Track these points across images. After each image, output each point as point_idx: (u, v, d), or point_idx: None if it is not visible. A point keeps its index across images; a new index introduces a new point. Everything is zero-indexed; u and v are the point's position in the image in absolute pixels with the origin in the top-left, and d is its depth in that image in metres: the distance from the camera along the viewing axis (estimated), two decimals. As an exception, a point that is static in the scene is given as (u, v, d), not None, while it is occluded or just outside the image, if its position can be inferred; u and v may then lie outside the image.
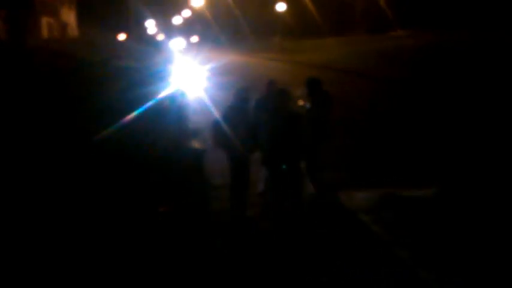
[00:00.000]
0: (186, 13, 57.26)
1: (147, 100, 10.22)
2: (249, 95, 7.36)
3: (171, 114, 10.39)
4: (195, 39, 57.21)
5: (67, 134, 9.48)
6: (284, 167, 6.63)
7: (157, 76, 11.79)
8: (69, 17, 44.12)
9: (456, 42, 24.00)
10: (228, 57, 32.22)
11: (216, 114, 7.41)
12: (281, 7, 40.36)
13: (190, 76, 14.41)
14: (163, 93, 10.63)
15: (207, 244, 6.29)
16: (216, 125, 7.24)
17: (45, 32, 37.30)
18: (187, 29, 58.89)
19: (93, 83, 13.35)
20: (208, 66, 19.54)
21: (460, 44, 23.29)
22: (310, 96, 7.73)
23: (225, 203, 7.24)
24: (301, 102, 8.11)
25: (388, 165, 9.17)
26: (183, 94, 11.02)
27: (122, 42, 50.19)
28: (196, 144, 9.85)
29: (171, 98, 10.38)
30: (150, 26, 62.22)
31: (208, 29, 52.39)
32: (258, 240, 6.43)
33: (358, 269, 5.58)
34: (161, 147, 8.90)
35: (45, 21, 37.61)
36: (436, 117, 12.52)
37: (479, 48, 20.93)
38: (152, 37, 59.63)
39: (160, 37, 59.79)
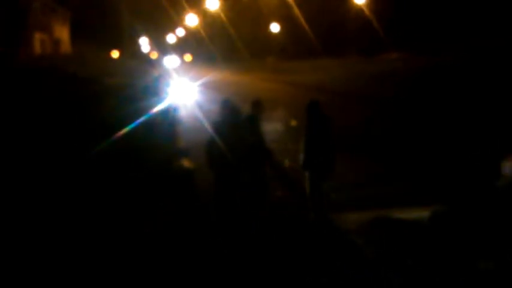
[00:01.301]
0: (180, 32, 57.54)
1: (139, 116, 10.15)
2: (234, 106, 7.48)
3: (162, 131, 10.31)
4: (188, 57, 57.44)
5: (58, 149, 9.39)
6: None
7: (150, 93, 11.73)
8: (62, 33, 44.08)
9: (450, 64, 24.12)
10: (221, 76, 32.28)
11: (209, 130, 7.43)
12: (275, 28, 40.59)
13: (182, 93, 14.36)
14: (155, 110, 10.56)
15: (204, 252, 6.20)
16: (209, 142, 7.27)
17: (37, 48, 37.21)
18: (181, 47, 59.15)
19: (86, 100, 13.30)
20: (201, 83, 19.57)
21: (453, 66, 23.40)
22: (308, 118, 7.57)
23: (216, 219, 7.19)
24: (293, 123, 8.10)
25: (383, 185, 9.10)
26: (175, 110, 10.96)
27: (115, 59, 50.28)
28: (186, 162, 9.75)
29: (163, 115, 10.31)
30: (144, 43, 62.46)
31: (202, 48, 52.59)
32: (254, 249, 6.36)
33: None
34: (152, 163, 8.83)
35: (37, 37, 37.54)
36: (427, 138, 12.49)
37: (474, 70, 21.04)
38: (146, 55, 59.84)
39: (154, 55, 59.99)
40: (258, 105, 7.85)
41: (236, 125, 7.28)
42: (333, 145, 7.43)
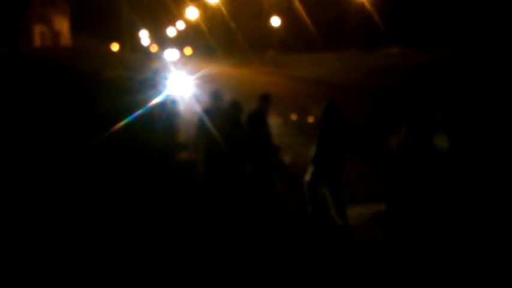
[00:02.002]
0: (180, 25, 57.41)
1: (138, 109, 10.11)
2: (222, 96, 8.00)
3: (161, 124, 10.27)
4: (188, 50, 57.31)
5: (58, 141, 9.36)
6: None
7: (149, 85, 11.69)
8: (62, 25, 44.01)
9: (450, 61, 24.06)
10: (221, 69, 32.23)
11: (204, 120, 7.63)
12: (276, 21, 40.45)
13: (181, 85, 14.32)
14: (154, 102, 10.52)
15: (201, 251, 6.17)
16: (200, 124, 7.51)
17: (37, 41, 37.18)
18: (181, 40, 59.00)
19: (85, 92, 13.27)
20: (200, 76, 19.54)
21: (453, 62, 23.35)
22: (323, 118, 7.50)
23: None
24: (293, 117, 8.08)
25: (382, 179, 9.06)
26: (173, 103, 10.92)
27: (115, 52, 50.18)
28: (185, 155, 9.72)
29: (162, 108, 10.27)
30: (144, 36, 62.32)
31: (202, 41, 52.48)
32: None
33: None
34: (152, 157, 8.80)
35: (37, 29, 37.49)
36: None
37: (473, 66, 21.02)
38: (146, 48, 59.71)
39: (154, 48, 59.87)
40: (266, 99, 7.91)
41: (228, 115, 7.44)
42: (344, 147, 7.32)
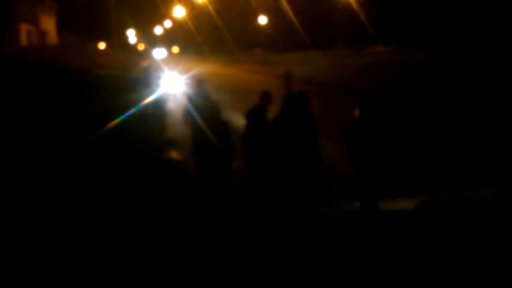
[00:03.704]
0: (168, 23, 57.25)
1: (129, 108, 10.15)
2: (205, 85, 8.61)
3: (152, 123, 10.32)
4: (176, 49, 57.17)
5: (48, 141, 9.36)
6: None
7: (140, 84, 11.72)
8: (49, 24, 43.65)
9: (435, 58, 24.25)
10: (209, 68, 32.17)
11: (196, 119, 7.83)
12: (263, 20, 40.52)
13: (170, 84, 14.37)
14: (145, 102, 10.57)
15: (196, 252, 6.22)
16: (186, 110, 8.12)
17: (23, 40, 36.86)
18: (168, 39, 58.84)
19: (75, 92, 13.24)
20: (188, 75, 19.59)
21: (437, 60, 23.54)
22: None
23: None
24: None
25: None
26: (163, 102, 10.98)
27: (103, 51, 49.91)
28: (174, 154, 9.79)
29: (153, 106, 10.32)
30: (131, 35, 62.06)
31: (190, 40, 52.38)
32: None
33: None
34: (142, 155, 8.84)
35: (23, 28, 37.15)
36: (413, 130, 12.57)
37: (459, 63, 21.22)
38: (133, 46, 59.47)
39: (141, 46, 59.64)
40: (266, 97, 8.06)
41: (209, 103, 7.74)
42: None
